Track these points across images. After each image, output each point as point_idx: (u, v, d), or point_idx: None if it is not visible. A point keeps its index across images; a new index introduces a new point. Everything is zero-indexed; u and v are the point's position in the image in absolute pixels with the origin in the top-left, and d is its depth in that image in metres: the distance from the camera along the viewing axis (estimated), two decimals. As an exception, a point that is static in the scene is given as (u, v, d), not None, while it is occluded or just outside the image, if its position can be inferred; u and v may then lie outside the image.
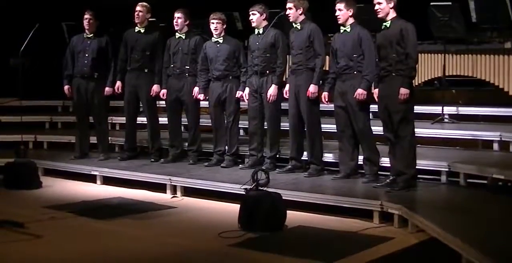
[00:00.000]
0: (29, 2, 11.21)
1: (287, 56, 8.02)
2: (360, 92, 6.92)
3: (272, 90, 7.63)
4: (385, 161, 6.99)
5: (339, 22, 7.08)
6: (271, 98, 7.63)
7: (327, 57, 7.62)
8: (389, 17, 6.62)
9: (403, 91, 6.48)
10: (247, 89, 7.85)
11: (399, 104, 6.53)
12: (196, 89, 8.21)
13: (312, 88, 7.29)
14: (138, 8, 8.52)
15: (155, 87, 8.50)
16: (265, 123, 7.87)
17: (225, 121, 8.17)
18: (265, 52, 7.66)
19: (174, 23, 8.31)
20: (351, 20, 7.07)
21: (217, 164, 8.14)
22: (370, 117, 7.34)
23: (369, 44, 6.99)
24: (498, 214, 5.87)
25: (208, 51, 8.11)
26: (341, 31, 7.13)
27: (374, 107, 7.53)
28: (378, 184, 6.78)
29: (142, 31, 8.58)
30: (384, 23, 6.64)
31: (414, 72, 6.59)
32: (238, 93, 7.97)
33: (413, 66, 6.53)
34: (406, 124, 6.58)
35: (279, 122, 7.83)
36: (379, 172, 7.08)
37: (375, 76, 6.86)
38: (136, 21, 8.56)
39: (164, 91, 8.44)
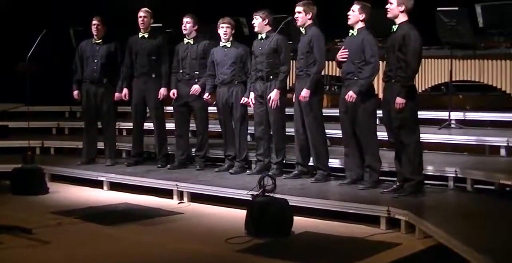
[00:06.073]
0: (36, 7, 11.25)
1: (291, 61, 8.05)
2: (350, 94, 6.88)
3: (273, 94, 7.57)
4: (390, 166, 6.98)
5: (348, 22, 7.03)
6: (273, 103, 7.58)
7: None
8: (398, 21, 6.56)
9: (398, 100, 6.44)
10: (252, 94, 7.83)
11: (397, 112, 6.51)
12: (205, 94, 8.20)
13: (304, 92, 7.25)
14: (141, 14, 8.52)
15: (163, 91, 8.48)
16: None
17: (233, 126, 8.16)
18: (268, 58, 7.64)
19: (183, 28, 8.30)
20: (360, 25, 7.01)
21: (228, 169, 8.12)
22: (377, 123, 7.31)
23: (371, 48, 6.90)
24: (506, 220, 5.84)
25: (216, 56, 8.09)
26: (350, 34, 7.10)
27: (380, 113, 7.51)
28: (385, 190, 6.76)
29: (146, 36, 8.58)
30: (393, 26, 6.60)
31: (411, 82, 6.50)
32: (243, 100, 7.94)
33: (410, 76, 6.45)
34: (408, 132, 6.53)
35: (284, 127, 7.80)
36: (383, 178, 7.06)
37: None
38: (141, 27, 8.55)
39: (174, 91, 8.38)
